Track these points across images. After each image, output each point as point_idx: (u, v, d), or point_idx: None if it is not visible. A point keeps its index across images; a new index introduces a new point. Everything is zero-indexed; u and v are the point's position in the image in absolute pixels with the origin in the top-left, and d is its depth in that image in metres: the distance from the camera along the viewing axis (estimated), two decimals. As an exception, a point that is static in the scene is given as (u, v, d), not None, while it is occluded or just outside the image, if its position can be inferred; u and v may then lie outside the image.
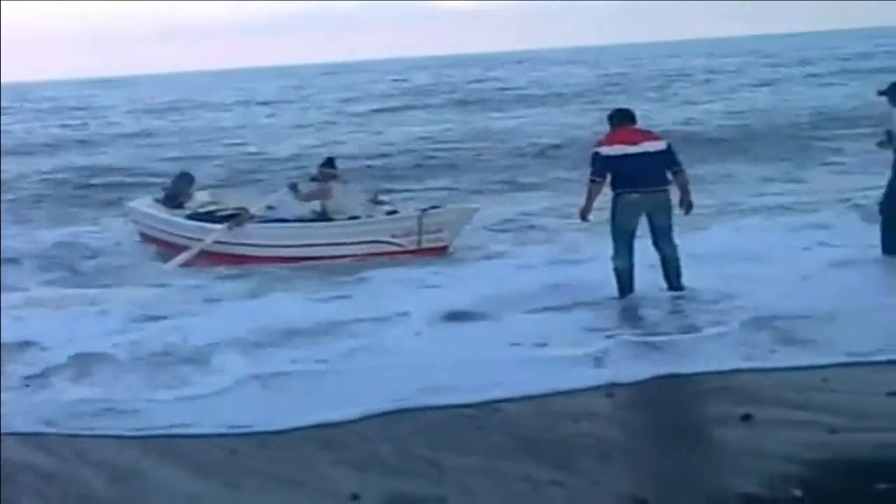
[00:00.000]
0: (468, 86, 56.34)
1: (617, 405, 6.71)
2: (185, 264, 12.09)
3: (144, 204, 14.52)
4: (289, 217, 12.86)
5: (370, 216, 12.62)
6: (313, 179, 12.99)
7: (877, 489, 5.01)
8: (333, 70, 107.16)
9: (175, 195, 14.25)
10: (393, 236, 11.95)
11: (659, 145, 9.48)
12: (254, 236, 12.41)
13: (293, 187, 12.95)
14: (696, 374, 7.17)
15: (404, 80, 68.37)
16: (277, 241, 12.30)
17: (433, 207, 12.46)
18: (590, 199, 9.45)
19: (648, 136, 9.62)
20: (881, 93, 10.48)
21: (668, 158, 9.46)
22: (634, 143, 9.39)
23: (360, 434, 6.17)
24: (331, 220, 12.36)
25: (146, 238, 13.96)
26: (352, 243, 11.96)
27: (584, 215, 9.56)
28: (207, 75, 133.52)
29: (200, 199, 14.36)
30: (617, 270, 9.42)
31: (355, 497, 5.20)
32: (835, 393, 6.59)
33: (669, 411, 6.82)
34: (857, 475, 5.21)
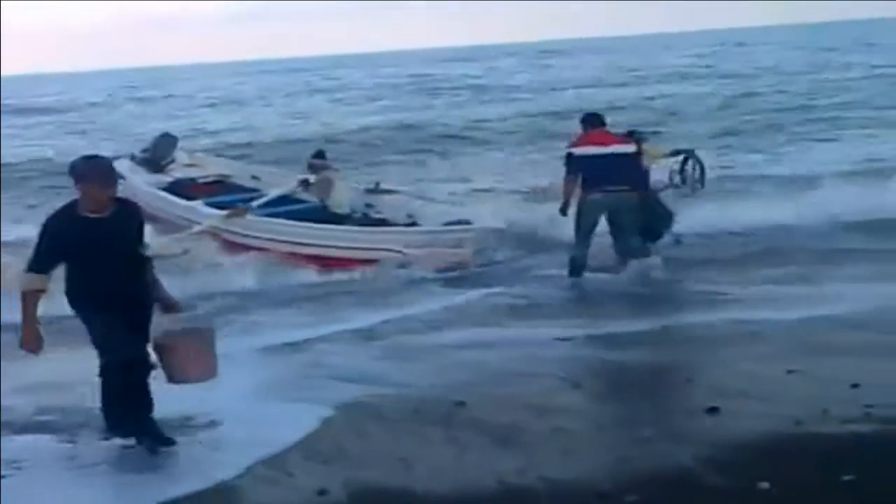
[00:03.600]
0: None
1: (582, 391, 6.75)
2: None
3: (123, 167, 12.24)
4: (293, 204, 12.11)
5: (378, 215, 12.07)
6: (304, 183, 12.29)
7: (841, 481, 5.02)
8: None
9: (156, 158, 13.29)
10: (406, 246, 10.93)
11: (628, 148, 10.06)
12: (264, 230, 11.29)
13: (304, 183, 12.27)
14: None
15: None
16: (286, 238, 11.17)
17: (457, 222, 11.36)
18: (567, 196, 10.02)
19: (618, 139, 10.19)
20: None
21: (637, 160, 10.09)
22: (605, 145, 9.95)
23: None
24: (331, 212, 11.76)
25: None
26: (362, 248, 11.03)
27: (563, 211, 10.14)
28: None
29: (180, 160, 13.48)
30: (572, 258, 10.01)
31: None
32: (800, 385, 6.61)
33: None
34: (822, 467, 5.22)
